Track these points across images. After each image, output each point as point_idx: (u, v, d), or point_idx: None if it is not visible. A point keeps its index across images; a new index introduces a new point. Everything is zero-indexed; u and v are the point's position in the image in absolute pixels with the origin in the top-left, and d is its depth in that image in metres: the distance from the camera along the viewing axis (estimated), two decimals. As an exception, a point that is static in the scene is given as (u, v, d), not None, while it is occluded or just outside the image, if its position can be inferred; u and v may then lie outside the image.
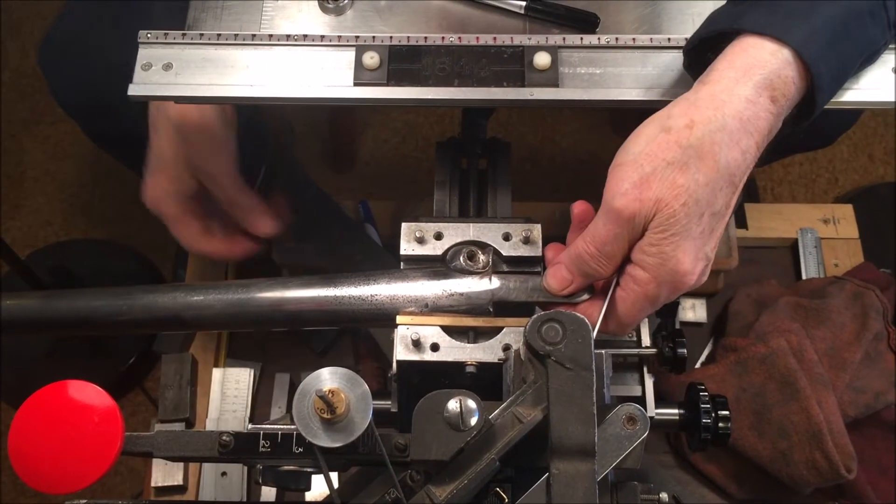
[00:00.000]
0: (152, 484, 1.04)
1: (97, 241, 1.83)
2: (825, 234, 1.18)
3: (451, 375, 0.72)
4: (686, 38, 0.74)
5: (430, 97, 0.76)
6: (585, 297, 0.72)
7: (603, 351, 0.65)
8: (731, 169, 0.65)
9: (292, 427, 0.59)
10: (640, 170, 0.65)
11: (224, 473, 1.05)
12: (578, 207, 0.74)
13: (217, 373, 1.10)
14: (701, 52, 0.72)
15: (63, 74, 1.23)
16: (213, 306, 0.77)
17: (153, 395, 1.67)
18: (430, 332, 0.73)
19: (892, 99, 0.75)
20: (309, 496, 1.01)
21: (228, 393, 1.09)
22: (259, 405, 1.10)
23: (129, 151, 1.42)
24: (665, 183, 0.64)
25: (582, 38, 0.78)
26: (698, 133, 0.64)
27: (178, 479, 1.04)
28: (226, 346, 1.12)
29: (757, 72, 0.65)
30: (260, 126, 0.92)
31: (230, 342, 1.13)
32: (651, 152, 0.65)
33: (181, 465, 1.04)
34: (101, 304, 0.80)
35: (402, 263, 0.77)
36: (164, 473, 1.04)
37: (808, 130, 0.72)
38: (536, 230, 0.76)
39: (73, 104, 1.27)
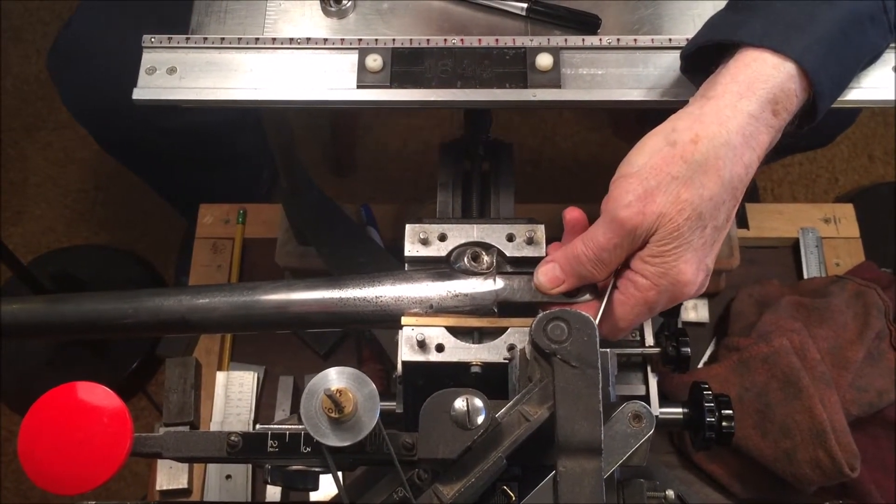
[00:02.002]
0: (157, 488, 1.04)
1: (99, 248, 1.83)
2: (826, 234, 1.19)
3: (456, 376, 0.72)
4: (687, 39, 0.74)
5: (433, 99, 0.77)
6: (587, 297, 0.72)
7: (608, 350, 0.65)
8: (735, 183, 0.66)
9: (300, 427, 0.60)
10: (644, 183, 0.65)
11: (229, 476, 1.05)
12: (570, 214, 0.74)
13: (221, 376, 1.10)
14: (699, 59, 0.72)
15: (72, 81, 1.24)
16: (218, 308, 0.77)
17: (157, 399, 1.67)
18: (435, 332, 0.73)
19: (892, 97, 0.76)
20: (314, 496, 1.01)
21: (232, 396, 1.09)
22: (263, 408, 1.11)
23: (138, 157, 1.43)
24: (669, 197, 0.64)
25: (583, 40, 0.78)
26: (703, 148, 0.64)
27: (182, 483, 1.04)
28: (229, 350, 1.13)
29: (760, 86, 0.66)
30: (262, 130, 0.92)
31: (234, 345, 1.13)
32: (656, 165, 0.65)
33: (186, 468, 1.05)
34: (107, 308, 0.80)
35: (406, 265, 0.78)
36: (169, 477, 1.04)
37: (808, 130, 0.72)
38: (540, 231, 0.77)
39: (83, 110, 1.28)
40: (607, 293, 0.69)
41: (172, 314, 0.78)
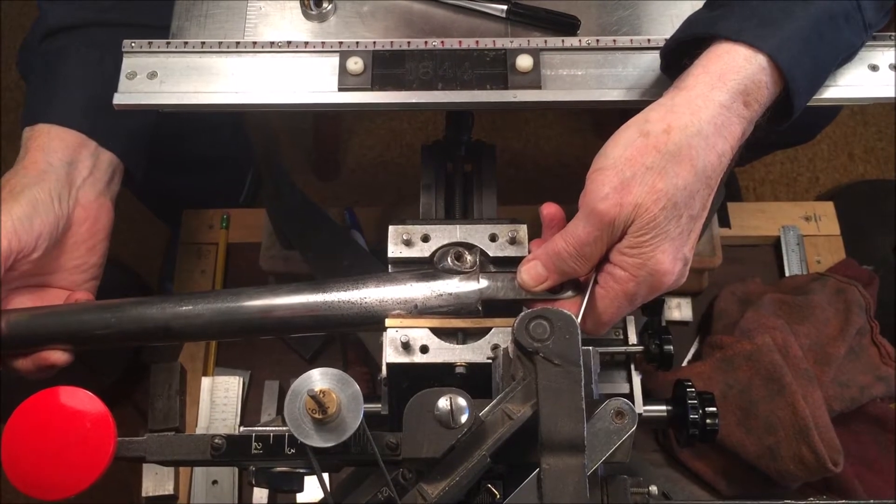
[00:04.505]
0: (143, 494, 1.04)
1: (83, 255, 1.81)
2: (807, 232, 1.20)
3: (440, 377, 0.72)
4: (665, 39, 0.75)
5: (414, 101, 0.77)
6: (570, 293, 0.73)
7: (591, 348, 0.65)
8: (708, 172, 0.67)
9: (284, 428, 0.60)
10: (620, 174, 0.66)
11: (215, 482, 1.05)
12: (548, 209, 0.75)
13: (206, 381, 1.09)
14: (678, 56, 0.73)
15: None
16: (202, 315, 0.77)
17: (142, 407, 1.66)
18: (420, 334, 0.73)
19: (869, 95, 0.77)
20: (300, 498, 1.01)
21: (218, 401, 1.09)
22: (248, 413, 1.10)
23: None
24: (645, 188, 0.65)
25: (563, 41, 0.79)
26: (676, 138, 0.65)
27: (168, 489, 1.04)
28: (214, 355, 1.12)
29: (731, 77, 0.67)
30: (245, 134, 0.92)
31: (219, 351, 1.13)
32: (630, 157, 0.66)
33: (172, 474, 1.04)
34: (90, 318, 0.80)
35: (389, 266, 0.78)
36: (155, 483, 1.04)
37: (788, 127, 0.73)
38: (523, 231, 0.77)
39: None
40: (589, 288, 0.70)
41: (156, 322, 0.78)
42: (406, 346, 0.73)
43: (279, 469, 0.64)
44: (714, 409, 0.81)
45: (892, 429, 1.04)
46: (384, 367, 0.73)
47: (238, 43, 0.79)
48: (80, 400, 0.59)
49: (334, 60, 0.78)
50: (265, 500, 1.03)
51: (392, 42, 0.79)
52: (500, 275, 0.75)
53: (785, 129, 0.73)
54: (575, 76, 0.78)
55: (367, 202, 1.83)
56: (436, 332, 0.73)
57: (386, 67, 0.78)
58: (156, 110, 0.78)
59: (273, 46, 0.79)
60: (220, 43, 0.79)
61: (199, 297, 0.78)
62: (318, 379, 0.59)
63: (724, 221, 1.18)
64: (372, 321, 0.76)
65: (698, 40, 0.70)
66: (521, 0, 0.82)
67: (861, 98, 0.77)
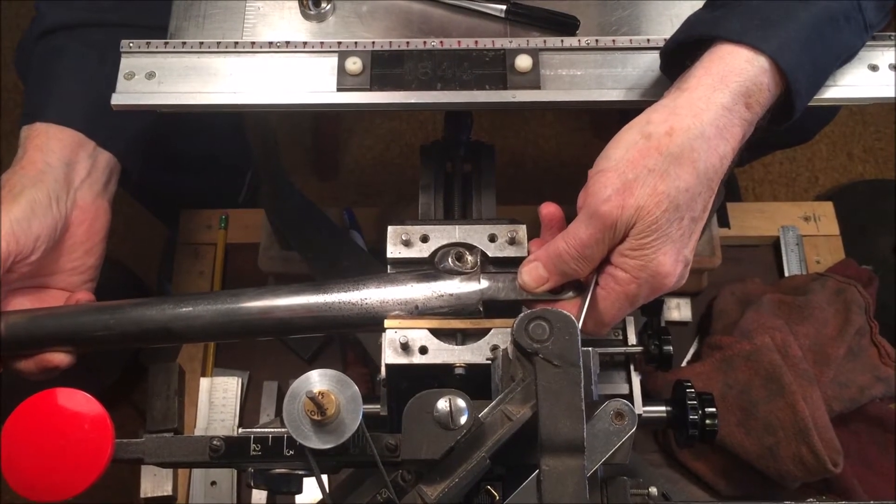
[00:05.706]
0: (141, 495, 1.03)
1: (81, 255, 1.81)
2: (806, 232, 1.20)
3: (439, 378, 0.72)
4: (665, 39, 0.75)
5: (413, 101, 0.77)
6: (571, 294, 0.73)
7: (590, 348, 0.65)
8: (710, 174, 0.67)
9: (283, 430, 0.60)
10: (622, 176, 0.66)
11: (214, 483, 1.04)
12: (546, 209, 0.75)
13: (205, 382, 1.09)
14: (678, 56, 0.73)
15: None
16: (202, 316, 0.77)
17: (141, 407, 1.66)
18: (419, 335, 0.73)
19: (869, 96, 0.77)
20: (299, 499, 1.01)
21: (216, 402, 1.09)
22: (247, 413, 1.10)
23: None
24: (646, 190, 0.65)
25: (562, 41, 0.79)
26: (678, 140, 0.65)
27: (167, 490, 1.04)
28: (213, 356, 1.12)
29: (733, 79, 0.67)
30: (244, 134, 0.92)
31: (217, 351, 1.13)
32: (632, 159, 0.66)
33: (170, 475, 1.04)
34: (89, 320, 0.80)
35: (388, 267, 0.78)
36: (154, 484, 1.04)
37: (787, 127, 0.73)
38: (522, 231, 0.77)
39: None
40: (590, 289, 0.70)
41: (155, 323, 0.77)
42: (405, 347, 0.72)
43: (278, 471, 0.63)
44: (713, 409, 0.81)
45: (891, 429, 1.03)
46: (383, 368, 0.73)
47: (236, 43, 0.79)
48: (78, 402, 0.59)
49: (333, 60, 0.78)
50: (264, 502, 1.03)
51: (391, 42, 0.78)
52: (500, 275, 0.75)
53: (784, 129, 0.73)
54: (574, 76, 0.78)
55: (367, 202, 1.82)
56: (435, 332, 0.73)
57: (385, 67, 0.77)
58: (154, 111, 0.78)
59: (271, 46, 0.79)
60: (219, 43, 0.79)
61: (199, 298, 0.78)
62: (317, 380, 0.58)
63: (724, 222, 1.18)
64: (372, 322, 0.75)
65: (699, 41, 0.70)
66: (521, 0, 0.82)
67: (861, 98, 0.77)
